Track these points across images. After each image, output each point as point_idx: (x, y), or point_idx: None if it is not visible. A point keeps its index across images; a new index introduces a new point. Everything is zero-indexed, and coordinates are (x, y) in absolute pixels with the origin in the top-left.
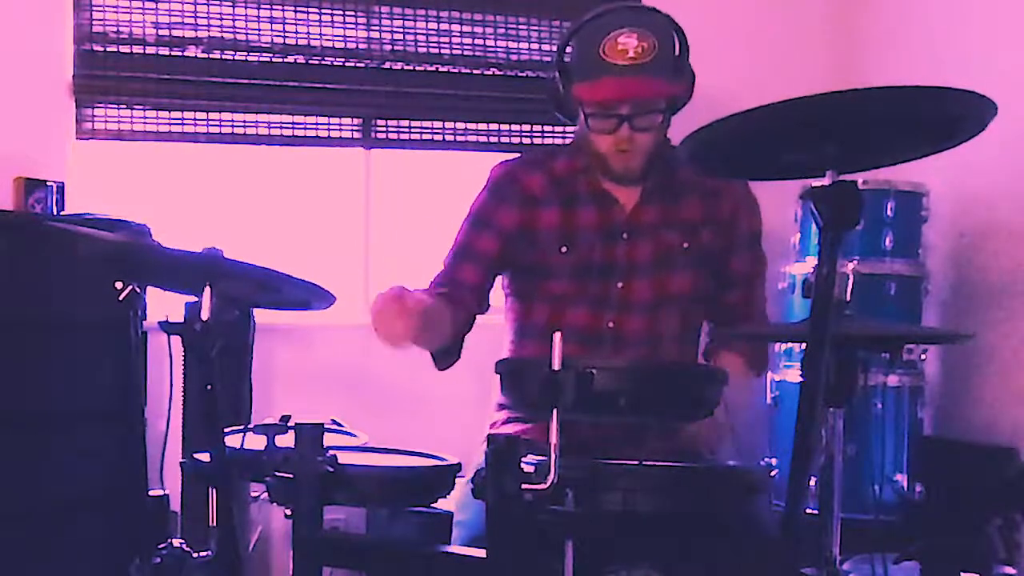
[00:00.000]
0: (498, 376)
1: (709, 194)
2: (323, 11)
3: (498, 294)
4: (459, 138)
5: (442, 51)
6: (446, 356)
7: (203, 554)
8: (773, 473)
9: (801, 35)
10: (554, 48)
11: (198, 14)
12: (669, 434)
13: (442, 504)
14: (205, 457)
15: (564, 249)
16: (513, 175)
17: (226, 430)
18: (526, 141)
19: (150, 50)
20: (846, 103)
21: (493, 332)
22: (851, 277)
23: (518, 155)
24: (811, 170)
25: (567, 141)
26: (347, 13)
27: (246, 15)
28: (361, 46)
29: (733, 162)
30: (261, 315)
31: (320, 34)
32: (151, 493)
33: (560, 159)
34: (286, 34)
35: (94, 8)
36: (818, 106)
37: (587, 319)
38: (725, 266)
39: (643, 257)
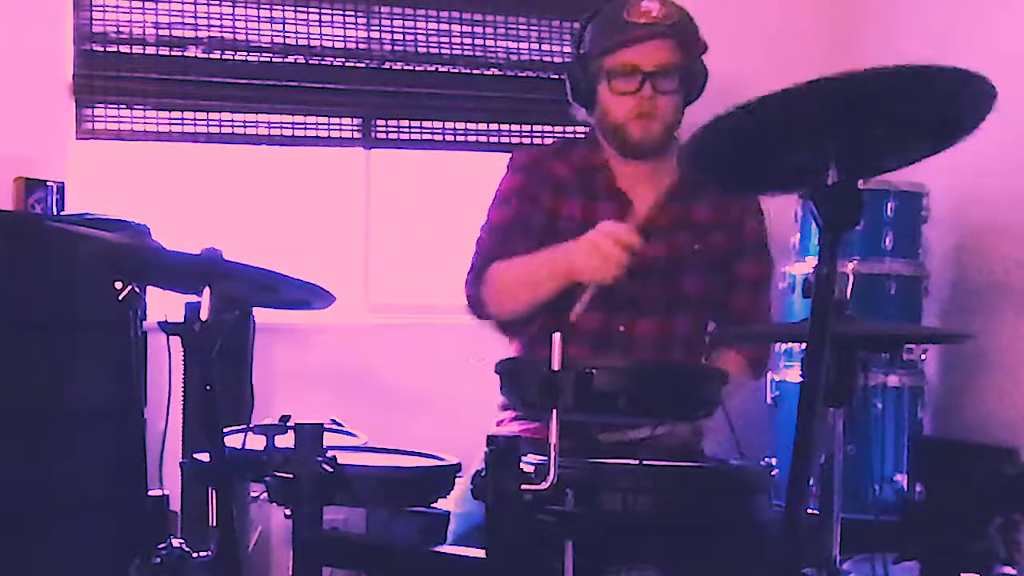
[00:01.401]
0: (497, 376)
1: (719, 198)
2: (323, 11)
3: None
4: (459, 138)
5: (442, 51)
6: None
7: (203, 554)
8: (773, 473)
9: (801, 33)
10: (554, 48)
11: (198, 14)
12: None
13: (442, 504)
14: (205, 457)
15: None
16: (539, 161)
17: (226, 430)
18: (526, 141)
19: (150, 50)
20: (842, 86)
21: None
22: (851, 277)
23: (535, 146)
24: (811, 171)
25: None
26: (347, 13)
27: (246, 15)
28: (361, 46)
29: (734, 163)
30: (261, 315)
31: (320, 34)
32: (151, 493)
33: (578, 150)
34: (286, 34)
35: (94, 8)
36: (814, 91)
37: (599, 322)
38: (732, 270)
39: (656, 258)
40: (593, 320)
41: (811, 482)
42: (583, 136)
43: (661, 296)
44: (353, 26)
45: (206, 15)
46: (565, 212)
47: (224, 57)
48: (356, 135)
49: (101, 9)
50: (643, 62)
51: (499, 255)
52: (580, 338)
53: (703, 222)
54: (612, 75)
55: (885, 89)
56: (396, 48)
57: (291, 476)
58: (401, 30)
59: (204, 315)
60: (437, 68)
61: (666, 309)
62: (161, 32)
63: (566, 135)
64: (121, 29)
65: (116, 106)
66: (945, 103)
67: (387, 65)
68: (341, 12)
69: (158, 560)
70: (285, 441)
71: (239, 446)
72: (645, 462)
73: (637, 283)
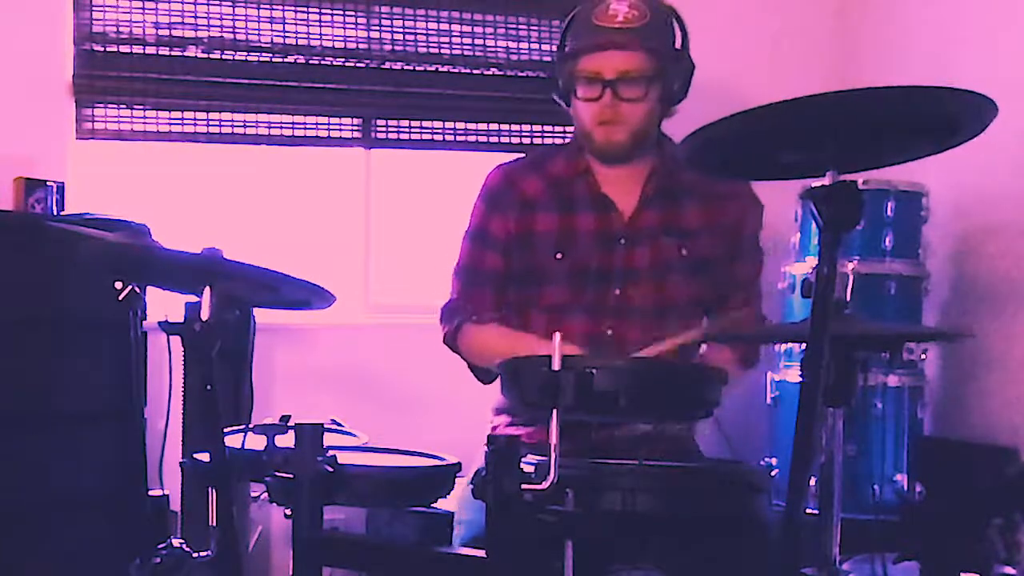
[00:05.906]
0: (498, 376)
1: (713, 199)
2: (323, 11)
3: None
4: (459, 138)
5: (442, 51)
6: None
7: (203, 554)
8: (773, 473)
9: (801, 35)
10: (554, 48)
11: (198, 14)
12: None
13: (442, 504)
14: (205, 457)
15: (559, 255)
16: (509, 181)
17: (226, 430)
18: (526, 141)
19: (150, 50)
20: (846, 103)
21: None
22: (851, 277)
23: (515, 158)
24: (811, 170)
25: (566, 141)
26: (347, 13)
27: (246, 15)
28: (361, 46)
29: (733, 162)
30: (261, 315)
31: (320, 34)
32: (151, 493)
33: (558, 159)
34: (286, 34)
35: (94, 8)
36: (818, 106)
37: (586, 327)
38: (728, 272)
39: (641, 263)
40: (580, 324)
41: (811, 482)
42: (566, 143)
43: (648, 301)
44: (353, 26)
45: (206, 15)
46: (540, 227)
47: (224, 57)
48: (356, 135)
49: (101, 9)
50: (604, 69)
51: (467, 301)
52: (567, 341)
53: (693, 226)
54: (578, 81)
55: (887, 106)
56: (396, 48)
57: (291, 476)
58: (401, 30)
59: (204, 315)
60: (437, 68)
61: (654, 314)
62: (161, 32)
63: (566, 135)
64: (121, 29)
65: (116, 106)
66: (946, 117)
67: (387, 65)
68: (341, 12)
69: (158, 560)
70: (285, 441)
71: (239, 446)
72: (645, 462)
73: (622, 288)
